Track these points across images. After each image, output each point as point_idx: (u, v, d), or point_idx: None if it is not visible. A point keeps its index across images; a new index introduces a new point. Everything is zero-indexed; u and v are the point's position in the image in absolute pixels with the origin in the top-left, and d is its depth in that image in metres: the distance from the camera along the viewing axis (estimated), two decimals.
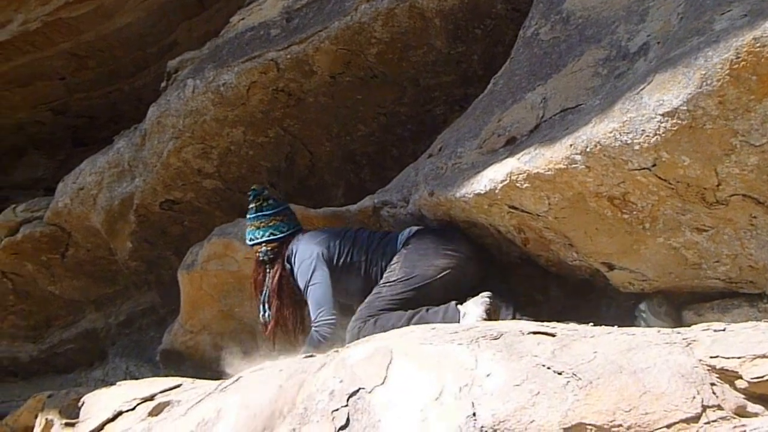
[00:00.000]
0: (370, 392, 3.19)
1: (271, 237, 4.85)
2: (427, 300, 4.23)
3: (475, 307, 4.08)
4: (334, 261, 4.58)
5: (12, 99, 11.29)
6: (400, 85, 5.86)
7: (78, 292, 8.14)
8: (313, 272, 4.54)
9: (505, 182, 3.83)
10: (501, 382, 2.90)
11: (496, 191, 3.89)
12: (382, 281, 4.41)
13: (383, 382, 3.20)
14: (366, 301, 4.40)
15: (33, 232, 7.65)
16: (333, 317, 4.45)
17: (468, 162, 4.28)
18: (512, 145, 4.08)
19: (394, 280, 4.33)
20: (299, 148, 6.26)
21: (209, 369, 6.35)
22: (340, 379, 3.37)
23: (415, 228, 4.53)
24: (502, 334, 3.19)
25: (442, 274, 4.27)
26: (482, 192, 3.96)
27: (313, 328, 4.48)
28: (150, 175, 6.53)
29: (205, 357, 6.37)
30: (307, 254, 4.61)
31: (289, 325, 4.90)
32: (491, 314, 4.05)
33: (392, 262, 4.42)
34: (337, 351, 3.73)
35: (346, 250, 4.60)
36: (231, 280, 5.89)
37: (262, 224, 4.89)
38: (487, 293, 4.13)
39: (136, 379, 6.52)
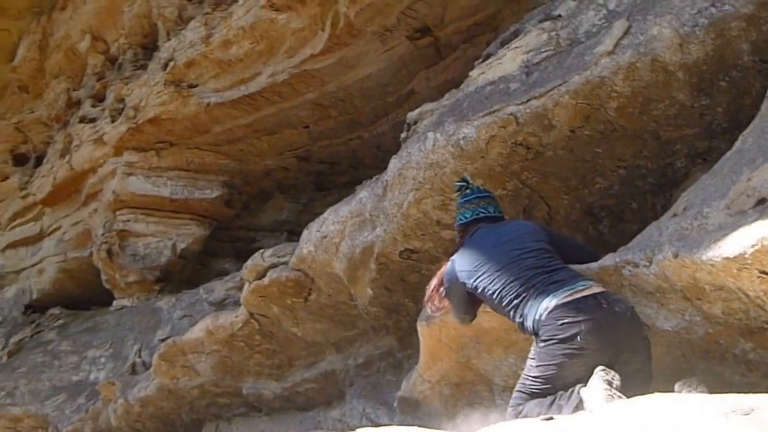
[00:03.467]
0: None
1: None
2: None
3: (595, 387, 4.11)
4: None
5: (260, 146, 11.91)
6: (641, 139, 5.75)
7: (319, 334, 8.42)
8: None
9: (756, 247, 3.68)
10: None
11: (746, 255, 3.75)
12: (525, 371, 4.65)
13: None
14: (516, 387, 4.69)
15: (279, 276, 7.98)
16: None
17: (715, 223, 4.15)
18: (763, 206, 3.93)
19: (533, 377, 4.54)
20: (537, 201, 6.24)
21: (444, 418, 6.43)
22: None
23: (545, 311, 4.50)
24: (753, 409, 3.07)
25: (574, 367, 4.38)
26: (731, 256, 3.82)
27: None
28: (390, 225, 6.67)
29: (441, 406, 6.44)
30: None
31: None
32: (612, 387, 4.06)
33: (530, 356, 4.60)
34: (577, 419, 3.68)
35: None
36: (469, 332, 5.94)
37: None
38: (599, 370, 4.19)
39: (371, 420, 6.68)
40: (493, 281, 4.93)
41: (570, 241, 5.64)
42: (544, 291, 4.61)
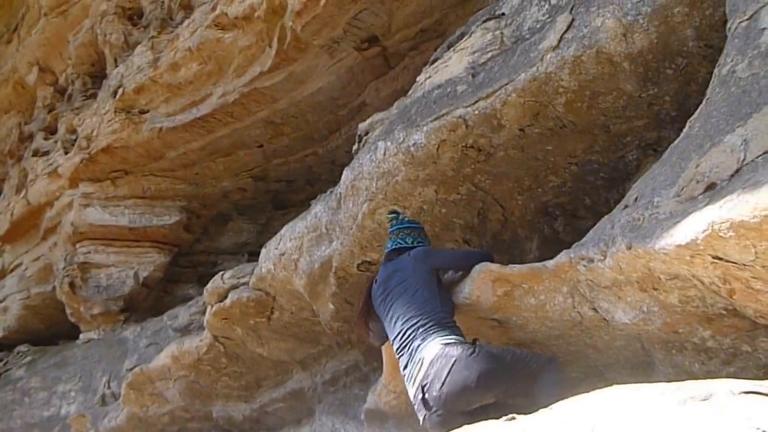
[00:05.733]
0: None
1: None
2: None
3: None
4: None
5: (216, 169, 11.84)
6: (591, 133, 5.73)
7: (284, 353, 8.35)
8: None
9: (707, 232, 3.65)
10: None
11: (698, 242, 3.71)
12: None
13: None
14: None
15: (240, 297, 7.90)
16: None
17: (666, 212, 4.11)
18: (712, 191, 3.89)
19: None
20: (491, 204, 6.21)
21: (411, 427, 6.38)
22: None
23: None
24: (711, 395, 3.03)
25: None
26: (683, 243, 3.79)
27: None
28: (347, 238, 6.61)
29: (407, 416, 6.38)
30: None
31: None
32: None
33: None
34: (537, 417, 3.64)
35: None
36: None
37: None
38: None
39: None
40: (387, 327, 5.64)
41: (453, 256, 5.98)
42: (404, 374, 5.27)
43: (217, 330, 8.36)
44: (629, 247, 4.20)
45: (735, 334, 4.31)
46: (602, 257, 4.46)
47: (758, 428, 2.75)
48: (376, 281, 5.93)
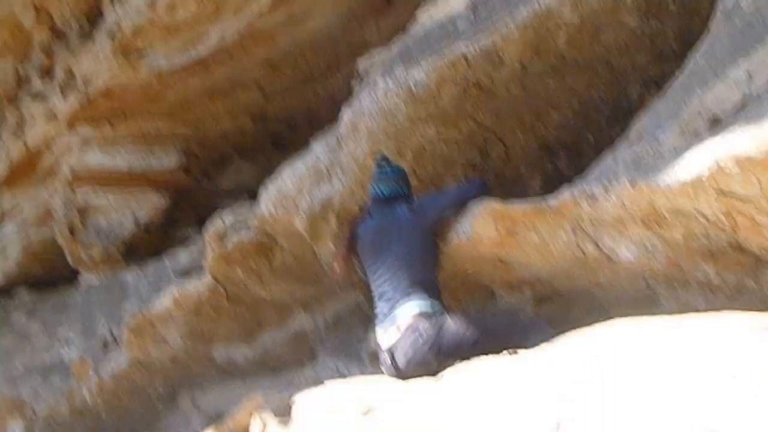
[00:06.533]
0: (580, 399, 3.08)
1: None
2: None
3: None
4: None
5: (215, 110, 11.71)
6: (593, 69, 5.67)
7: (286, 294, 8.33)
8: None
9: (712, 167, 3.62)
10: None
11: (702, 177, 3.68)
12: None
13: (594, 388, 3.08)
14: None
15: (241, 239, 7.85)
16: None
17: (669, 147, 4.07)
18: (716, 126, 3.85)
19: None
20: (493, 141, 6.15)
21: None
22: (548, 382, 3.28)
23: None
24: (714, 328, 3.01)
25: None
26: (687, 179, 3.76)
27: None
28: (347, 178, 6.57)
29: None
30: None
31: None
32: None
33: None
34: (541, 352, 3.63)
35: None
36: None
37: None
38: None
39: (345, 377, 6.63)
40: (366, 271, 5.94)
41: (449, 198, 5.88)
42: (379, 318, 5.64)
43: (217, 272, 8.32)
44: (632, 183, 4.17)
45: (739, 270, 4.29)
46: (605, 194, 4.43)
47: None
48: (365, 221, 6.10)
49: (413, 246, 5.67)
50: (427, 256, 5.68)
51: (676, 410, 2.74)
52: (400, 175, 6.13)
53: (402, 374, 5.26)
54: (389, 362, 5.37)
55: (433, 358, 5.10)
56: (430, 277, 5.61)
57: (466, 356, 4.83)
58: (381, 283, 5.68)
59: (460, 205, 5.68)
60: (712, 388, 2.74)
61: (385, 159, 6.19)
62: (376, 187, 6.11)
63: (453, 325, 5.21)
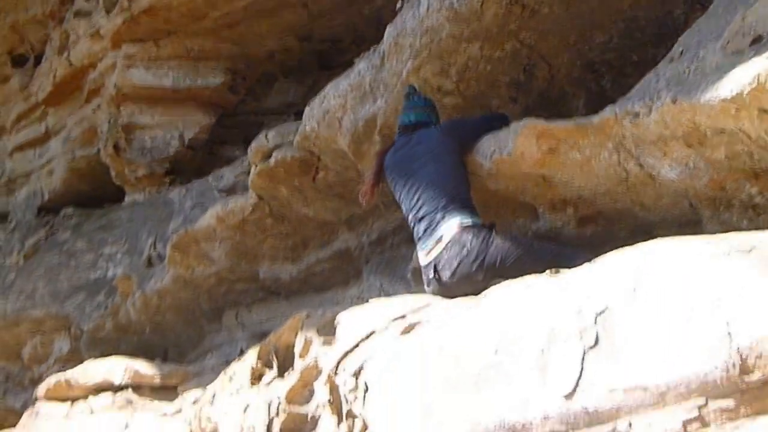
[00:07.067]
0: (617, 310, 3.10)
1: None
2: None
3: None
4: None
5: (260, 29, 11.68)
6: None
7: (330, 213, 8.36)
8: None
9: (753, 84, 3.56)
10: (757, 299, 2.72)
11: (744, 95, 3.63)
12: None
13: (631, 300, 3.10)
14: None
15: (284, 156, 7.87)
16: None
17: (711, 65, 4.01)
18: (759, 44, 3.78)
19: None
20: (537, 61, 6.09)
21: None
22: (587, 296, 3.30)
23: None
24: (754, 247, 3.00)
25: None
26: (729, 96, 3.70)
27: None
28: (391, 96, 6.54)
29: None
30: None
31: None
32: None
33: None
34: (582, 268, 3.65)
35: None
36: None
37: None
38: None
39: (389, 296, 6.68)
40: (399, 197, 5.98)
41: (476, 123, 6.01)
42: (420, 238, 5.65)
43: (261, 189, 8.36)
44: (674, 101, 4.12)
45: None
46: (647, 111, 4.38)
47: None
48: (393, 151, 6.15)
49: (446, 164, 5.68)
50: (460, 176, 5.69)
51: (708, 323, 2.76)
52: (429, 104, 6.19)
53: (446, 290, 5.27)
54: (432, 276, 5.39)
55: (479, 272, 5.13)
56: (465, 195, 5.62)
57: (510, 275, 4.78)
58: (418, 207, 5.66)
59: (485, 132, 5.75)
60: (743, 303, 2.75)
61: (413, 89, 6.24)
62: (404, 116, 6.16)
63: (499, 239, 5.24)
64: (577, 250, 5.18)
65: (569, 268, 4.27)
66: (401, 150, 6.03)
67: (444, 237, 5.36)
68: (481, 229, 5.32)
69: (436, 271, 5.35)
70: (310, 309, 6.73)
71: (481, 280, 5.05)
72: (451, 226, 5.35)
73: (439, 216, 5.46)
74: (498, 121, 5.84)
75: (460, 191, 5.59)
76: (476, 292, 4.85)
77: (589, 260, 4.01)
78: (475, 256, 5.15)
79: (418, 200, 5.67)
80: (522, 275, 4.59)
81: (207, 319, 10.55)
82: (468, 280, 5.16)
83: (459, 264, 5.20)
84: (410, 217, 5.78)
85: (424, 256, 5.54)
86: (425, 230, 5.55)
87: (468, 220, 5.36)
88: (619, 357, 2.97)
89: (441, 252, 5.33)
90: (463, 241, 5.24)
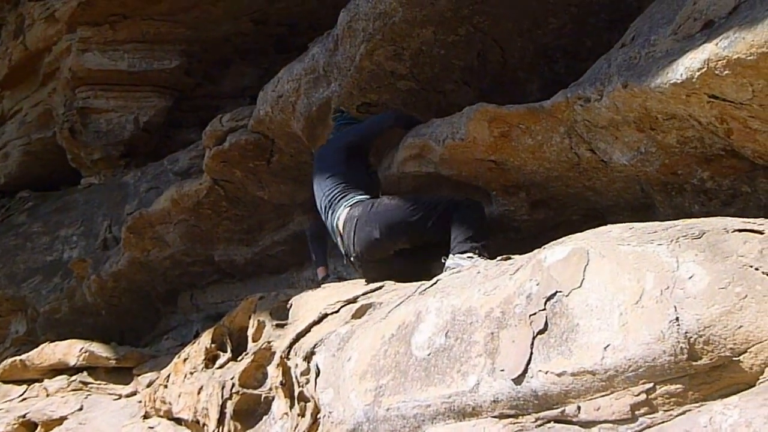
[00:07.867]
0: (567, 295, 3.12)
1: None
2: None
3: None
4: None
5: (215, 12, 11.60)
6: None
7: (285, 196, 8.36)
8: None
9: (703, 70, 3.57)
10: (705, 285, 2.74)
11: (694, 80, 3.64)
12: None
13: (580, 285, 3.12)
14: None
15: (239, 140, 7.86)
16: None
17: (662, 50, 4.02)
18: (709, 29, 3.78)
19: None
20: (490, 45, 6.08)
21: None
22: (536, 281, 3.32)
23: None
24: (704, 233, 3.02)
25: None
26: (679, 81, 3.72)
27: None
28: (345, 80, 6.52)
29: None
30: None
31: None
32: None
33: None
34: (533, 253, 3.66)
35: None
36: (426, 181, 6.06)
37: None
38: None
39: (343, 278, 6.71)
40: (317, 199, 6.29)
41: (366, 127, 6.46)
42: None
43: (215, 173, 8.34)
44: (625, 86, 4.14)
45: (734, 175, 4.29)
46: (598, 96, 4.40)
47: (750, 265, 2.76)
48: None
49: (335, 167, 6.14)
50: (347, 170, 6.10)
51: (656, 309, 2.78)
52: (349, 123, 6.60)
53: (367, 266, 5.70)
54: (350, 261, 5.85)
55: (374, 230, 5.50)
56: (354, 183, 6.01)
57: (408, 230, 5.44)
58: (323, 208, 6.12)
59: (378, 130, 6.31)
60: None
61: (339, 111, 6.71)
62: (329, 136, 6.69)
63: (386, 199, 5.70)
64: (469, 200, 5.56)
65: (463, 217, 5.04)
66: (315, 164, 6.55)
67: (339, 226, 5.83)
68: (367, 200, 5.77)
69: (348, 257, 5.81)
70: (264, 291, 6.74)
71: (383, 239, 5.46)
72: (341, 213, 5.84)
73: (332, 213, 5.98)
74: (391, 120, 6.33)
75: (346, 182, 6.01)
76: (391, 258, 5.45)
77: (540, 245, 4.03)
78: (366, 219, 5.56)
79: (324, 200, 6.14)
80: (423, 231, 5.27)
81: (162, 301, 10.54)
82: (371, 244, 5.54)
83: (355, 232, 5.62)
84: (322, 215, 6.23)
85: (341, 248, 6.00)
86: (331, 224, 6.04)
87: (353, 200, 5.83)
88: (568, 342, 2.98)
89: (343, 239, 5.81)
90: (352, 215, 5.70)
